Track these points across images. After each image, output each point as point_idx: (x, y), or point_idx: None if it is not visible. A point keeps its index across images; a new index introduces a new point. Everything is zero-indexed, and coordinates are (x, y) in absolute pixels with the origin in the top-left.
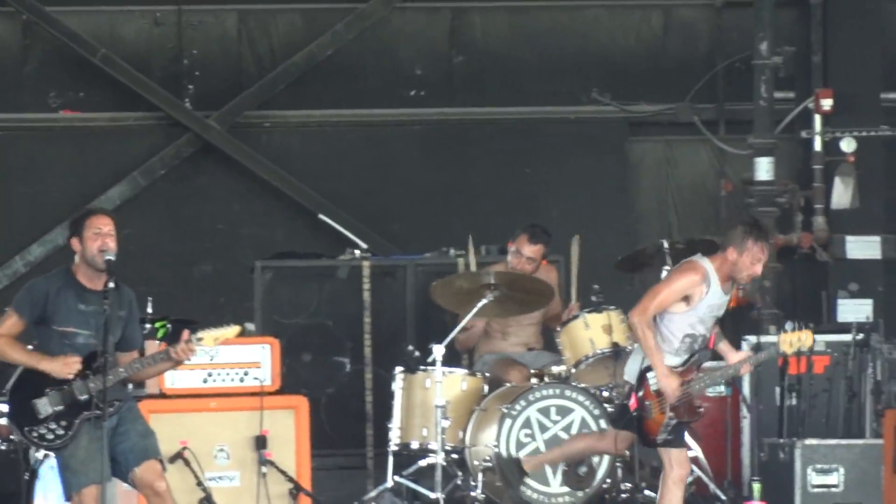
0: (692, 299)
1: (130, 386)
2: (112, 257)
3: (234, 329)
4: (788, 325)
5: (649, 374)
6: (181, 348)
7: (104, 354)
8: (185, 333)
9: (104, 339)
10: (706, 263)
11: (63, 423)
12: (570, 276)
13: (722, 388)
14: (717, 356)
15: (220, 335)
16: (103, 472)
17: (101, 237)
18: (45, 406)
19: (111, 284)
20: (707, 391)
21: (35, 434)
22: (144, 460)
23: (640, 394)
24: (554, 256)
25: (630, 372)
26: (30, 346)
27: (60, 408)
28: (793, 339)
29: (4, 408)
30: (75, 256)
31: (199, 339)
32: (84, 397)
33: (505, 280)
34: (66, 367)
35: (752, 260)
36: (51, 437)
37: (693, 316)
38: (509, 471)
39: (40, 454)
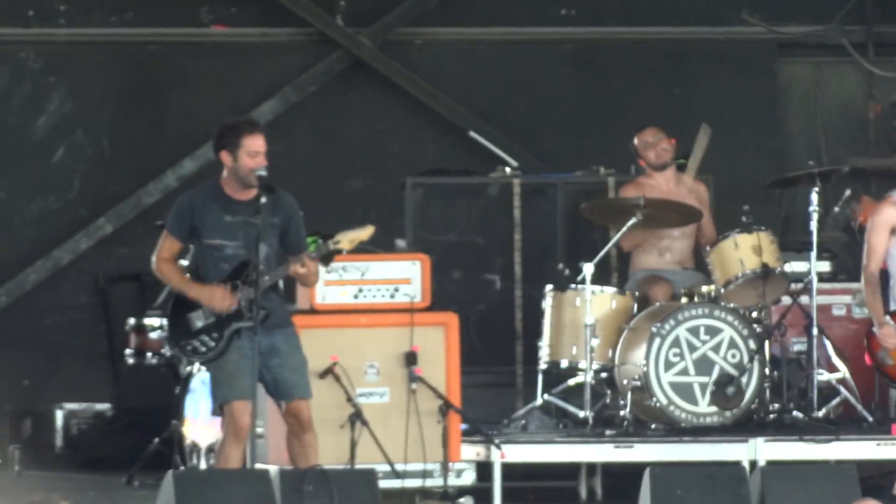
0: None
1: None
2: (264, 172)
3: (368, 229)
4: None
5: (875, 329)
6: (295, 265)
7: (254, 265)
8: (304, 256)
9: (255, 249)
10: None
11: (214, 334)
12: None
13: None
14: None
15: (356, 237)
16: (253, 390)
17: (256, 157)
18: (198, 318)
19: (263, 199)
20: (854, 312)
21: (189, 347)
22: (292, 399)
23: (870, 348)
24: (703, 175)
25: None
26: (184, 261)
27: (212, 320)
28: None
29: (156, 322)
30: (224, 169)
31: (337, 243)
32: (234, 308)
33: (654, 204)
34: (220, 301)
35: None
36: (203, 349)
37: None
38: None
39: (192, 368)
